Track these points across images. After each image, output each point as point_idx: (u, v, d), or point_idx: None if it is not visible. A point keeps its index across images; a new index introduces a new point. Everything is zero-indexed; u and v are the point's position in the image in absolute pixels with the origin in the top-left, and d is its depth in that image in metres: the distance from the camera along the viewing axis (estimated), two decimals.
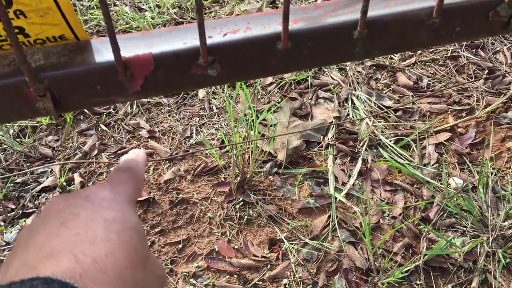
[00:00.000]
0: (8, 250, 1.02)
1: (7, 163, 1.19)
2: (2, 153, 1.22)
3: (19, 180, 1.17)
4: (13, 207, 1.11)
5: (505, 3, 0.63)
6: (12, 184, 1.16)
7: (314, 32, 0.57)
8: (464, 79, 1.41)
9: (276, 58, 0.56)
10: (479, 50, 1.48)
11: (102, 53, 0.42)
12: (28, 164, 1.21)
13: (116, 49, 0.37)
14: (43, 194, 1.15)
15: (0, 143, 1.25)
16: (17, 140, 1.26)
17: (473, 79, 1.41)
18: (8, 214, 1.09)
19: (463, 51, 1.48)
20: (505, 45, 1.49)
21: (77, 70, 0.40)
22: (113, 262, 0.22)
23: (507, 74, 1.39)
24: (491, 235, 1.03)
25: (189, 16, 1.65)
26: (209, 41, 0.54)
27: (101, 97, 0.42)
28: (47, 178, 1.18)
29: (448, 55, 1.48)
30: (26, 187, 1.16)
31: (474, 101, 1.35)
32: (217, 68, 0.56)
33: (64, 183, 1.15)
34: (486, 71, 1.40)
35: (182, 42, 0.52)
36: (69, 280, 0.21)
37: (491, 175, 1.14)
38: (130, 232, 0.24)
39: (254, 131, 1.21)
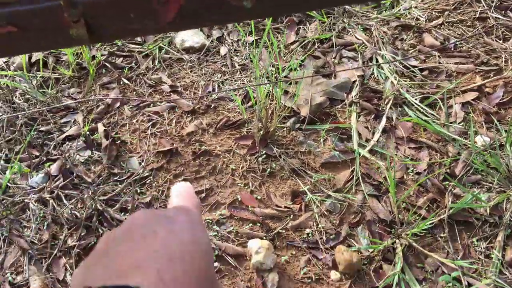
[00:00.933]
0: (34, 194, 1.03)
1: (31, 112, 1.20)
2: (26, 102, 1.23)
3: (43, 128, 1.18)
4: (37, 154, 1.12)
5: None
6: (36, 132, 1.17)
7: None
8: (492, 40, 1.38)
9: None
10: (508, 11, 1.44)
11: None
12: (51, 114, 1.22)
13: None
14: (67, 143, 1.15)
15: (24, 93, 1.25)
16: (41, 90, 1.26)
17: (501, 40, 1.37)
18: (33, 160, 1.10)
19: (492, 12, 1.44)
20: None
21: None
22: (188, 281, 0.24)
23: None
24: None
25: None
26: None
27: (134, 25, 0.41)
28: (70, 127, 1.19)
29: (477, 16, 1.44)
30: (50, 136, 1.17)
31: (502, 61, 1.32)
32: (252, 0, 0.55)
33: (88, 133, 1.15)
34: (510, 30, 1.37)
35: None
36: None
37: None
38: (201, 254, 0.26)
39: (280, 87, 1.20)
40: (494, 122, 1.17)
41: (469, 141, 1.12)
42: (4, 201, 1.01)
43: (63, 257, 0.95)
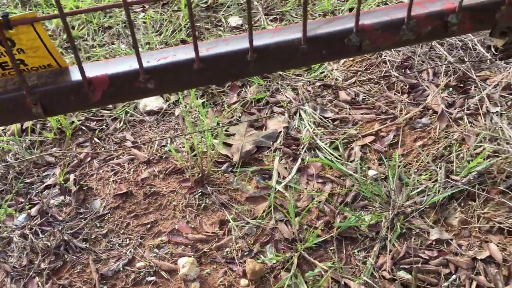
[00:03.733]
0: (17, 230, 1.33)
1: (20, 168, 1.53)
2: (16, 160, 1.56)
3: (28, 180, 1.50)
4: (22, 200, 1.44)
5: (354, 33, 0.94)
6: (22, 184, 1.49)
7: (221, 56, 0.90)
8: (392, 93, 1.70)
9: (194, 75, 0.90)
10: (407, 70, 1.78)
11: (75, 75, 0.73)
12: (36, 169, 1.54)
13: (82, 72, 0.67)
14: (46, 190, 1.47)
15: (15, 154, 1.58)
16: (28, 151, 1.59)
17: (399, 94, 1.69)
18: (19, 205, 1.41)
19: (393, 71, 1.77)
20: (430, 65, 1.78)
21: (58, 86, 0.70)
22: None
23: (426, 88, 1.67)
24: (393, 212, 1.30)
25: None
26: (147, 65, 0.89)
27: (74, 105, 0.73)
28: (49, 179, 1.51)
29: (382, 74, 1.78)
30: (33, 186, 1.48)
31: (398, 111, 1.63)
32: (154, 83, 0.90)
33: (62, 182, 1.47)
34: (407, 86, 1.69)
35: (128, 66, 0.86)
36: None
37: (399, 167, 1.41)
38: None
39: (220, 141, 1.52)
40: (383, 159, 1.46)
41: (361, 175, 1.42)
42: None
43: (37, 277, 1.24)
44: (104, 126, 1.70)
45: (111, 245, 1.31)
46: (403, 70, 1.78)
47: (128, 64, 0.89)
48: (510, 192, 1.29)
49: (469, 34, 1.85)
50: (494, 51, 1.10)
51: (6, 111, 0.63)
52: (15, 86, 0.57)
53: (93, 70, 0.64)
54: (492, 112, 1.52)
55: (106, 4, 0.53)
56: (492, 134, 1.44)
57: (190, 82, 0.93)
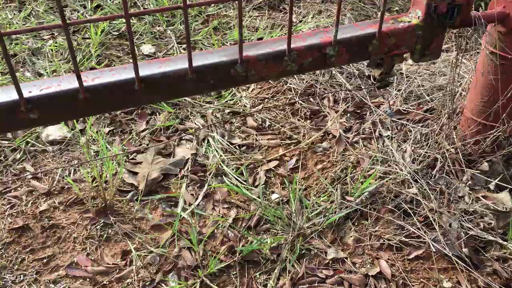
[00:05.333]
0: None
1: None
2: None
3: None
4: None
5: (240, 64, 0.98)
6: None
7: (107, 86, 0.90)
8: (296, 119, 1.79)
9: (79, 105, 0.89)
10: (311, 97, 1.88)
11: None
12: None
13: None
14: None
15: None
16: None
17: (303, 120, 1.78)
18: None
19: (298, 98, 1.87)
20: (331, 93, 1.90)
21: None
22: None
23: (327, 114, 1.77)
24: (293, 234, 1.35)
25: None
26: (29, 95, 0.87)
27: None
28: None
29: (287, 101, 1.86)
30: None
31: (301, 136, 1.71)
32: (37, 113, 0.88)
33: None
34: (310, 112, 1.78)
35: (8, 97, 0.84)
36: None
37: (300, 190, 1.48)
38: None
39: (120, 170, 1.50)
40: (286, 183, 1.52)
41: (264, 199, 1.46)
42: None
43: None
44: (2, 158, 1.62)
45: (3, 282, 1.24)
46: (307, 97, 1.88)
47: (9, 94, 0.88)
48: (397, 211, 1.39)
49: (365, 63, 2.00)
50: (373, 81, 1.20)
51: None
52: None
53: None
54: (384, 136, 1.64)
55: (15, 30, 0.53)
56: (383, 156, 1.55)
57: (76, 112, 0.93)
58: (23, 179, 1.54)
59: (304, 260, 1.31)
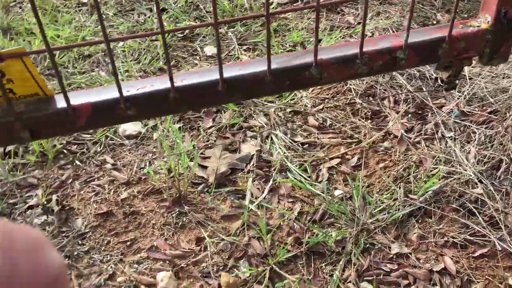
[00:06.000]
0: None
1: (3, 190, 1.58)
2: None
3: (11, 201, 1.55)
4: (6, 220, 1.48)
5: (314, 67, 1.07)
6: (6, 204, 1.54)
7: (194, 87, 1.01)
8: (357, 119, 1.84)
9: (169, 104, 1.00)
10: (371, 97, 1.92)
11: (60, 102, 0.82)
12: (19, 190, 1.60)
13: (67, 100, 0.74)
14: (29, 211, 1.52)
15: None
16: (11, 173, 1.65)
17: (363, 119, 1.83)
18: None
19: (358, 99, 1.92)
20: (392, 93, 1.94)
21: (44, 113, 0.79)
22: None
23: (388, 115, 1.82)
24: (357, 229, 1.41)
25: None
26: (127, 94, 0.99)
27: (59, 130, 0.82)
28: (32, 199, 1.56)
29: (347, 102, 1.92)
30: (16, 206, 1.54)
31: (362, 135, 1.77)
32: (134, 110, 1.00)
33: (45, 202, 1.53)
34: (370, 112, 1.83)
35: (110, 95, 0.95)
36: None
37: (363, 187, 1.53)
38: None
39: (194, 163, 1.62)
40: (348, 180, 1.58)
41: (328, 194, 1.53)
42: None
43: None
44: (85, 150, 1.77)
45: (92, 261, 1.37)
46: (367, 98, 1.93)
47: (108, 93, 1.00)
48: (462, 210, 1.42)
49: (426, 66, 2.02)
50: (440, 83, 1.25)
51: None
52: (4, 113, 0.63)
53: (77, 98, 0.72)
54: (447, 137, 1.67)
55: (90, 41, 0.62)
56: (446, 157, 1.58)
57: (167, 109, 1.04)
58: (104, 170, 1.69)
59: (369, 253, 1.37)
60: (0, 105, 0.66)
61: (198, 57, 2.28)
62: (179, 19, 2.53)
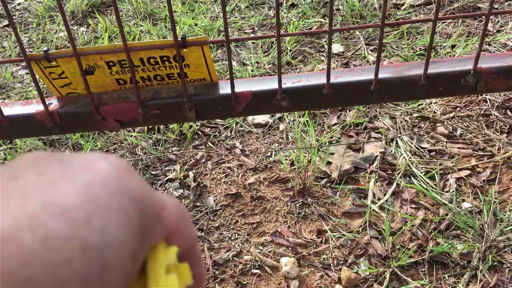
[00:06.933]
0: None
1: (146, 161, 1.77)
2: (144, 154, 1.81)
3: (154, 172, 1.74)
4: None
5: (471, 74, 1.07)
6: (149, 175, 1.72)
7: (346, 84, 1.06)
8: (491, 132, 1.76)
9: (323, 99, 1.07)
10: (508, 111, 1.82)
11: (224, 88, 0.92)
12: (160, 163, 1.78)
13: (233, 88, 0.85)
14: (168, 183, 1.69)
15: (143, 148, 1.84)
16: (154, 147, 1.84)
17: (498, 133, 1.75)
18: None
19: (494, 110, 1.83)
20: None
21: (210, 97, 0.89)
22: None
23: None
24: (485, 245, 1.37)
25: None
26: (284, 86, 1.08)
27: (220, 113, 0.92)
28: (171, 173, 1.73)
29: (482, 112, 1.84)
30: (157, 178, 1.72)
31: (496, 149, 1.69)
32: (288, 102, 1.08)
33: (182, 177, 1.69)
34: (508, 126, 1.74)
35: (268, 86, 1.04)
36: None
37: (494, 203, 1.48)
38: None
39: (324, 158, 1.67)
40: (478, 194, 1.53)
41: (456, 206, 1.50)
42: None
43: None
44: (217, 133, 1.91)
45: (222, 237, 1.50)
46: (504, 111, 1.83)
47: (267, 84, 1.08)
48: None
49: None
50: None
51: (166, 113, 0.78)
52: (176, 94, 0.70)
53: (238, 86, 0.80)
54: None
55: (213, 40, 0.68)
56: None
57: (318, 103, 1.10)
58: (233, 154, 1.81)
59: (496, 271, 1.33)
60: (173, 86, 0.75)
61: (324, 54, 2.32)
62: (307, 15, 2.59)
